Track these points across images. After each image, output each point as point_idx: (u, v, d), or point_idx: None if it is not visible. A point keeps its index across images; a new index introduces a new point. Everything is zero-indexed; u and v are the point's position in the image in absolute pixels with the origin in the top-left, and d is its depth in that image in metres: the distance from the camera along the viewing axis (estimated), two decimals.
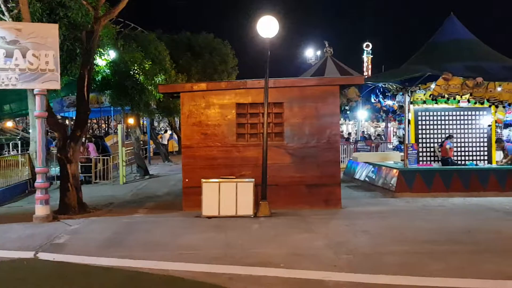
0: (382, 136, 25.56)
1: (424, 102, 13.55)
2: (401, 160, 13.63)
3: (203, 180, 9.69)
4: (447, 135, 13.46)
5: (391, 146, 20.96)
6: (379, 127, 33.38)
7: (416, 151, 13.09)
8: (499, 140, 13.96)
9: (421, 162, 13.61)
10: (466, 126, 13.93)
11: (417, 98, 13.44)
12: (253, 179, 9.76)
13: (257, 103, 10.42)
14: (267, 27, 9.53)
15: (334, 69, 24.62)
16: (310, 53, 43.62)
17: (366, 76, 29.78)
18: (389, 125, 24.94)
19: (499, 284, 5.39)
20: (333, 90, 10.54)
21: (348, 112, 17.15)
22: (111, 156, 16.94)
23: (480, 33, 14.74)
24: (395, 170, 12.62)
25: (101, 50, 13.28)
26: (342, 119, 23.55)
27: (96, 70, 13.60)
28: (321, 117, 10.46)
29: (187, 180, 10.33)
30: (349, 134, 30.75)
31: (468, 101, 13.09)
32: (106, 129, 41.13)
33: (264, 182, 9.64)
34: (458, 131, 13.89)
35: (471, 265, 6.13)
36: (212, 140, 10.48)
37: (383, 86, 13.18)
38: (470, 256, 6.57)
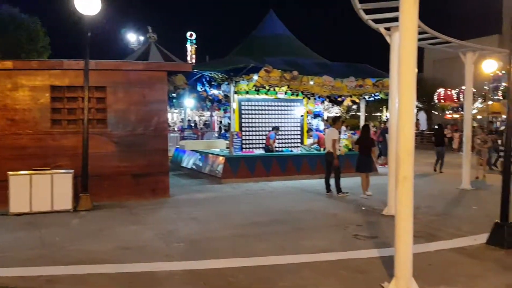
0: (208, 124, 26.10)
1: (247, 92, 14.23)
2: (227, 148, 14.09)
3: (10, 173, 8.45)
4: (273, 126, 14.35)
5: (216, 135, 21.55)
6: (203, 115, 34.03)
7: (240, 139, 13.68)
8: (309, 130, 15.48)
9: (244, 150, 14.29)
10: (283, 116, 15.12)
11: (240, 88, 14.03)
12: (72, 170, 8.87)
13: (76, 86, 9.49)
14: (88, 4, 8.69)
15: (158, 56, 24.14)
16: (133, 37, 41.86)
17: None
18: (213, 114, 25.58)
19: (314, 257, 5.91)
20: (161, 76, 10.24)
21: (174, 100, 17.00)
22: None
23: (296, 30, 16.09)
24: (221, 158, 12.99)
25: None
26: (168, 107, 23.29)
27: None
28: (148, 103, 10.06)
29: None
30: (174, 122, 30.61)
31: (285, 92, 14.21)
32: None
33: (84, 173, 8.85)
34: (277, 120, 14.98)
35: (291, 242, 6.62)
36: (21, 127, 9.20)
37: (209, 75, 13.38)
38: (290, 234, 7.10)
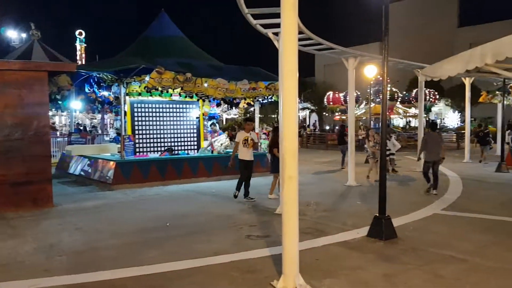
0: (98, 128, 24.85)
1: (140, 94, 13.79)
2: (118, 152, 13.51)
3: None
4: (167, 148, 14.13)
5: (107, 138, 20.59)
6: (95, 118, 32.38)
7: (133, 143, 13.19)
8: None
9: (138, 153, 13.82)
10: (178, 118, 14.89)
11: (132, 90, 13.56)
12: None
13: None
14: None
15: (42, 55, 22.38)
16: (14, 35, 38.40)
17: (79, 64, 28.22)
18: (105, 116, 24.43)
19: (206, 261, 5.86)
20: (41, 77, 9.46)
21: (60, 102, 15.89)
22: None
23: (190, 32, 15.98)
24: (112, 162, 12.40)
25: None
26: (53, 109, 21.77)
27: None
28: (26, 106, 9.24)
29: None
30: (54, 125, 28.40)
31: (180, 94, 14.01)
32: None
33: None
34: (172, 122, 14.71)
35: (185, 247, 6.50)
36: None
37: (98, 76, 12.72)
38: (184, 239, 6.98)
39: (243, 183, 10.28)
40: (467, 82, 18.82)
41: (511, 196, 10.15)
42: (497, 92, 18.88)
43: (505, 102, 17.21)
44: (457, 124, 42.80)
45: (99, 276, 5.31)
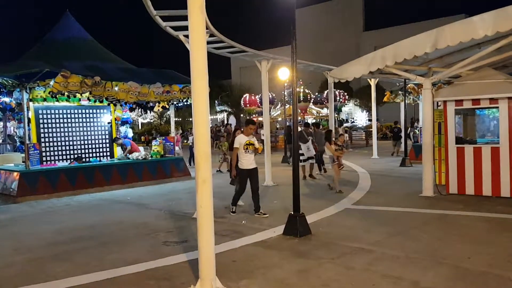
0: (1, 137, 22.95)
1: (45, 99, 12.96)
2: (23, 162, 12.58)
3: None
4: (76, 157, 13.37)
5: (8, 148, 19.13)
6: None
7: (38, 151, 12.35)
8: (117, 139, 14.76)
9: (45, 162, 12.97)
10: (88, 124, 14.20)
11: (36, 96, 12.71)
12: None
13: None
14: None
15: None
16: None
17: None
18: (8, 124, 22.63)
19: (119, 271, 5.63)
20: None
21: None
22: None
23: (98, 35, 15.30)
24: (15, 173, 11.52)
25: None
26: None
27: None
28: None
29: None
30: None
31: (89, 99, 13.38)
32: None
33: None
34: (81, 128, 13.99)
35: (96, 259, 6.20)
36: None
37: None
38: (94, 250, 6.66)
39: (253, 196, 8.77)
40: (373, 83, 20.06)
41: (414, 189, 10.95)
42: (399, 92, 20.31)
43: (406, 101, 18.56)
44: (365, 122, 45.44)
45: None
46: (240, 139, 8.63)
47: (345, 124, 37.99)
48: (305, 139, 13.80)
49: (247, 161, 8.58)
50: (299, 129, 12.95)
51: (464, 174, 10.07)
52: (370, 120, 37.84)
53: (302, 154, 13.59)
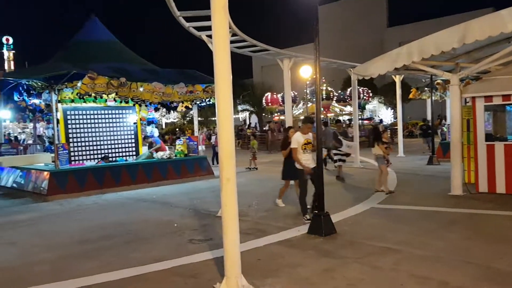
0: (31, 138, 23.57)
1: (73, 100, 13.26)
2: (52, 162, 12.91)
3: None
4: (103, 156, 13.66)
5: (39, 148, 19.61)
6: (27, 127, 30.71)
7: (67, 151, 12.65)
8: (146, 137, 15.08)
9: (74, 162, 13.27)
10: (114, 124, 14.46)
11: (65, 97, 13.02)
12: None
13: None
14: None
15: None
16: None
17: (6, 72, 26.73)
18: (37, 125, 23.23)
19: (145, 269, 5.71)
20: None
21: None
22: None
23: (123, 37, 15.57)
24: (46, 173, 11.82)
25: None
26: None
27: None
28: None
29: None
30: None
31: (115, 100, 13.62)
32: None
33: None
34: (108, 129, 14.26)
35: (123, 256, 6.32)
36: None
37: (27, 83, 12.12)
38: (122, 247, 6.78)
39: (311, 196, 8.16)
40: (398, 79, 19.75)
41: (442, 188, 10.74)
42: (425, 88, 19.96)
43: (433, 97, 18.22)
44: (391, 120, 44.78)
45: None
46: (298, 138, 8.11)
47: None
48: (346, 136, 14.16)
49: (305, 161, 8.11)
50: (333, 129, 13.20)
51: (495, 172, 9.82)
52: (395, 117, 37.31)
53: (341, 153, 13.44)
